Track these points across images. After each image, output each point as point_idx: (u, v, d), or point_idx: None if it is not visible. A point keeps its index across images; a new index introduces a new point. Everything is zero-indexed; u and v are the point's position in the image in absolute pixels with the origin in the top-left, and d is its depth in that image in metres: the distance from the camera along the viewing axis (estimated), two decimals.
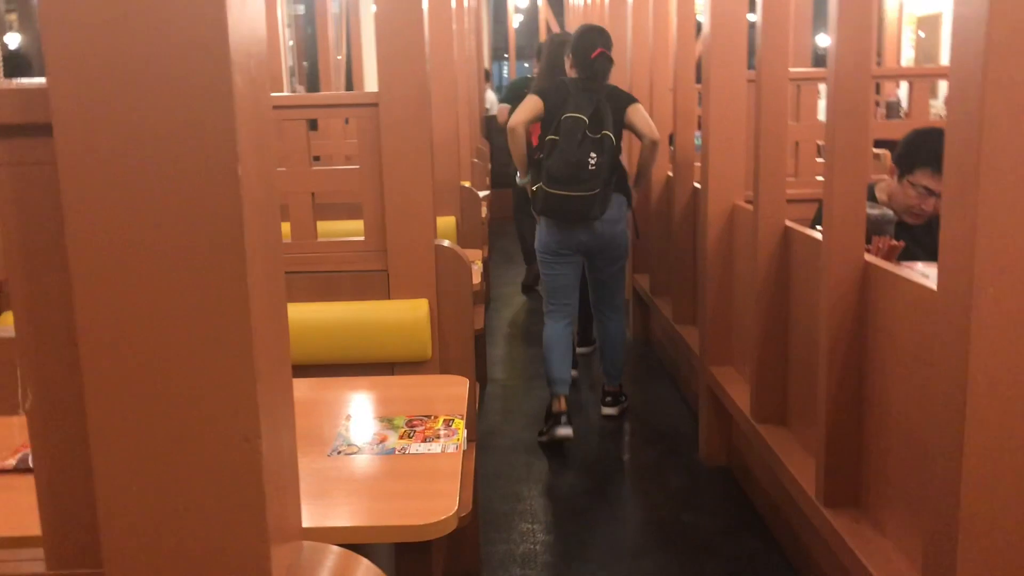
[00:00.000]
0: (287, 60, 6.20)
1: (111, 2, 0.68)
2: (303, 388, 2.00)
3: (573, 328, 3.88)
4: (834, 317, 2.10)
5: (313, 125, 4.49)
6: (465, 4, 6.87)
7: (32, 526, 0.80)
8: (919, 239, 2.54)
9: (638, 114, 3.52)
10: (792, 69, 3.06)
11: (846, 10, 2.05)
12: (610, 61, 3.46)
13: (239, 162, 0.71)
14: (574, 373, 4.23)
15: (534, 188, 3.50)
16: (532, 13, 11.13)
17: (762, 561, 2.70)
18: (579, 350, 4.68)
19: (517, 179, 3.85)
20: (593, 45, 3.44)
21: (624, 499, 3.23)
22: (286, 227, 2.45)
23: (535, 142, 3.68)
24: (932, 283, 1.70)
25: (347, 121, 4.15)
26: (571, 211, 3.37)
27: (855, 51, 2.07)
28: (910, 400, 1.86)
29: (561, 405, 3.56)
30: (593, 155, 3.28)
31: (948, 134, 1.48)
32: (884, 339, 1.99)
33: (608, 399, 3.90)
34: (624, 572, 2.67)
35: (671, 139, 4.44)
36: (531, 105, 3.47)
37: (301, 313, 2.36)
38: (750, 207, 2.82)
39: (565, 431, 3.52)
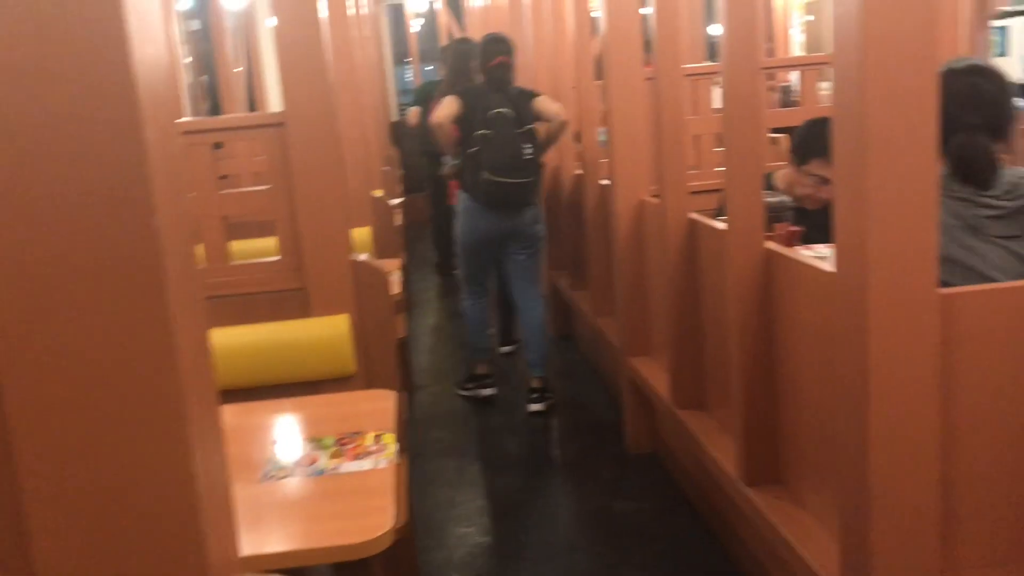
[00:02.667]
0: (186, 77, 6.09)
1: (15, 36, 0.68)
2: (228, 414, 1.99)
3: (487, 304, 4.20)
4: (741, 304, 2.19)
5: (218, 143, 4.43)
6: (363, 12, 6.84)
7: None
8: (818, 223, 2.65)
9: (545, 101, 3.81)
10: (687, 65, 3.16)
11: (734, 5, 2.13)
12: (510, 68, 3.76)
13: (152, 194, 0.71)
14: (510, 348, 4.65)
15: (479, 179, 3.68)
16: (432, 17, 11.12)
17: (692, 542, 2.79)
18: (502, 350, 4.76)
19: (447, 162, 4.06)
20: (494, 54, 3.75)
21: (556, 494, 3.28)
22: (199, 250, 2.43)
23: (455, 134, 3.87)
24: (831, 264, 1.79)
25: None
26: (510, 197, 3.69)
27: (744, 46, 2.15)
28: (818, 379, 1.96)
29: (484, 369, 4.09)
30: (526, 146, 3.65)
31: (834, 123, 1.56)
32: (789, 322, 2.09)
33: (535, 395, 3.97)
34: (562, 567, 2.73)
35: (577, 136, 4.52)
36: (451, 104, 3.72)
37: (220, 338, 2.34)
38: (657, 201, 2.90)
39: (489, 392, 4.08)
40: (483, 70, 3.78)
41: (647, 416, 3.42)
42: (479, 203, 3.75)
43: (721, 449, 2.47)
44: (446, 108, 3.71)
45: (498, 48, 3.77)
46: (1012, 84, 2.00)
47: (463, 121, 3.71)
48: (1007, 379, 1.60)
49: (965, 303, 1.57)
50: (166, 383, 0.75)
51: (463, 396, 4.15)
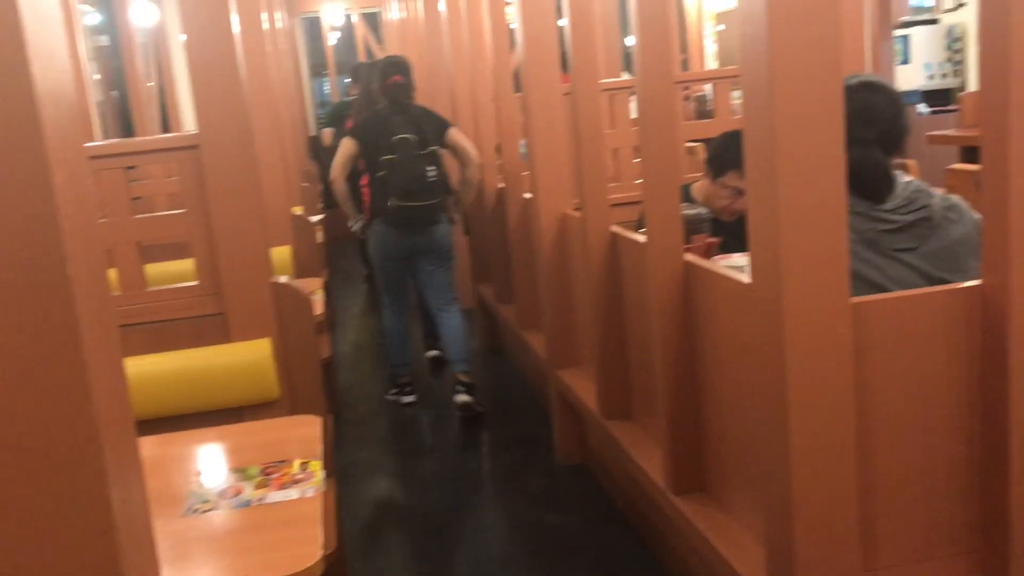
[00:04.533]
0: (95, 95, 5.92)
1: None
2: (148, 446, 1.93)
3: (408, 318, 4.34)
4: (663, 315, 2.22)
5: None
6: (278, 25, 6.76)
7: None
8: (736, 232, 2.71)
9: (460, 137, 4.06)
10: (604, 80, 3.20)
11: (646, 22, 2.17)
12: (405, 87, 3.97)
13: (58, 222, 0.69)
14: (435, 353, 4.77)
15: (387, 204, 3.84)
16: (349, 30, 11.05)
17: (623, 552, 2.81)
18: (428, 354, 4.88)
19: (349, 225, 4.29)
20: (390, 74, 3.98)
21: (487, 509, 3.28)
22: (112, 275, 2.36)
23: (362, 165, 4.10)
24: (747, 274, 1.82)
25: None
26: (418, 219, 3.88)
27: (658, 61, 2.19)
28: (739, 387, 2.00)
29: (405, 378, 4.29)
30: (430, 168, 3.82)
31: (746, 137, 1.60)
32: (710, 332, 2.13)
33: (461, 387, 4.05)
34: None
35: (498, 149, 4.55)
36: (346, 151, 3.96)
37: (137, 367, 2.28)
38: (579, 214, 2.93)
39: (410, 398, 4.27)
40: (381, 90, 4.01)
41: (576, 427, 3.44)
42: (388, 225, 3.93)
43: (648, 459, 2.51)
44: (340, 158, 3.95)
45: (395, 68, 4.00)
46: (904, 99, 2.07)
47: (367, 151, 3.93)
48: (916, 383, 1.66)
49: (876, 311, 1.62)
50: (80, 415, 0.73)
51: (390, 400, 4.34)
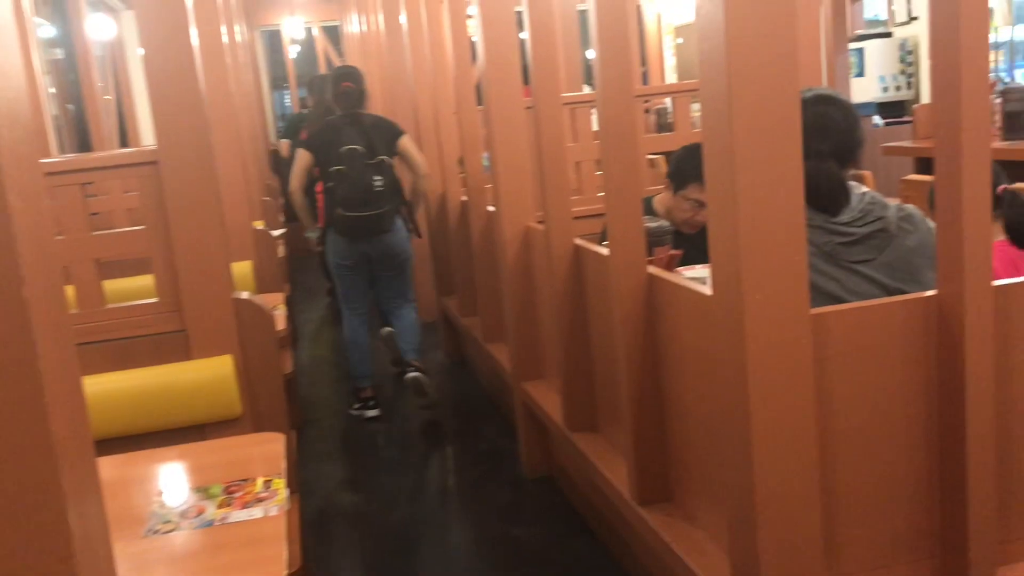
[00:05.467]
0: (50, 109, 5.84)
1: None
2: (109, 467, 1.90)
3: (367, 326, 4.42)
4: (627, 327, 2.24)
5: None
6: (238, 38, 6.72)
7: None
8: (697, 244, 2.73)
9: (410, 147, 4.17)
10: (566, 94, 3.22)
11: (606, 37, 2.19)
12: (356, 94, 4.08)
13: (14, 241, 0.68)
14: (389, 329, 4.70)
15: (335, 214, 3.97)
16: (309, 42, 11.01)
17: (590, 564, 2.82)
18: (384, 330, 4.77)
19: (306, 235, 4.44)
20: (341, 81, 4.12)
21: (454, 523, 3.27)
22: (70, 292, 2.32)
23: (316, 174, 4.22)
24: (709, 285, 1.84)
25: None
26: (365, 228, 3.99)
27: (619, 76, 2.21)
28: (702, 398, 2.01)
29: (368, 392, 4.29)
30: (377, 178, 3.93)
31: (705, 150, 1.61)
32: (673, 344, 2.14)
33: (411, 368, 4.23)
34: None
35: (461, 162, 4.55)
36: (301, 162, 4.11)
37: (97, 386, 2.24)
38: (542, 227, 2.94)
39: (374, 412, 4.27)
40: (334, 97, 4.14)
41: (541, 440, 3.44)
42: (338, 234, 4.07)
43: (614, 470, 2.51)
44: (296, 170, 4.11)
45: (345, 76, 4.15)
46: (858, 111, 2.10)
47: (320, 161, 4.05)
48: (876, 393, 1.69)
49: (835, 323, 1.65)
50: (36, 436, 0.71)
51: (353, 415, 4.33)
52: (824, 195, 1.90)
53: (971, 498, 1.65)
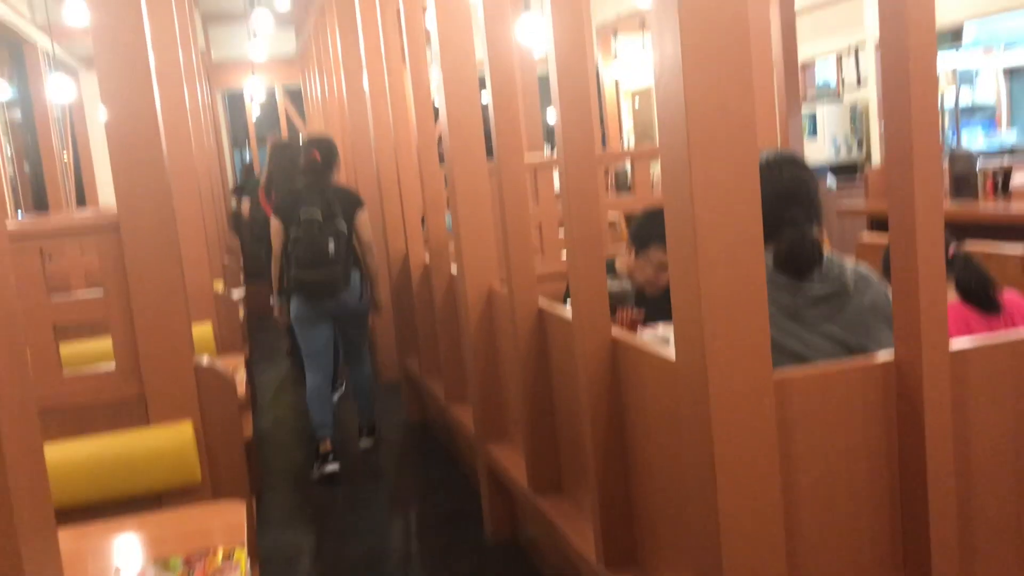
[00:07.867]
0: (6, 170, 5.78)
1: None
2: (65, 540, 1.83)
3: (330, 380, 4.58)
4: (591, 390, 2.24)
5: None
6: (200, 100, 6.73)
7: None
8: (659, 304, 2.77)
9: (365, 224, 4.38)
10: (528, 156, 3.26)
11: (568, 102, 2.23)
12: (321, 163, 4.29)
13: None
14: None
15: (291, 274, 4.21)
16: (271, 102, 11.07)
17: None
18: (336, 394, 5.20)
19: (271, 300, 4.58)
20: (310, 151, 4.34)
21: None
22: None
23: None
24: (672, 346, 1.85)
25: None
26: (320, 288, 4.18)
27: (581, 139, 2.24)
28: (668, 461, 2.01)
29: (327, 446, 4.33)
30: (331, 242, 4.14)
31: (666, 213, 1.63)
32: (638, 407, 2.15)
33: (365, 430, 4.73)
34: None
35: (423, 221, 4.58)
36: (274, 231, 4.31)
37: (53, 453, 2.19)
38: (505, 290, 2.95)
39: (333, 467, 4.29)
40: (303, 166, 4.35)
41: (506, 502, 3.41)
42: (297, 294, 4.28)
43: (579, 532, 2.49)
44: (274, 235, 4.29)
45: (315, 144, 4.38)
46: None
47: (285, 227, 4.27)
48: (838, 453, 1.70)
49: (797, 386, 1.67)
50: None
51: (314, 479, 4.33)
52: (804, 263, 1.92)
53: (934, 558, 1.67)
